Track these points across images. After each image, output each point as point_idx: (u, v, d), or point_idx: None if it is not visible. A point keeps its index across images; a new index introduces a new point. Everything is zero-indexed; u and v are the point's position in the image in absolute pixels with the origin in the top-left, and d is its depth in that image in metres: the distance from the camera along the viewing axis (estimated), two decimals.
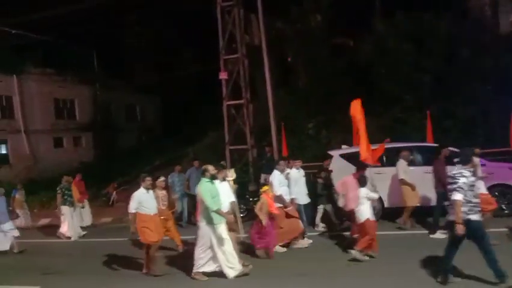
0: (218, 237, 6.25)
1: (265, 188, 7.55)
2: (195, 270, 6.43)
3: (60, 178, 11.67)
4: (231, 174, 8.04)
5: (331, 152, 10.03)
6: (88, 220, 12.69)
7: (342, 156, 9.57)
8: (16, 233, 9.99)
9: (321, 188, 9.03)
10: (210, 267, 6.40)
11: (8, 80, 21.42)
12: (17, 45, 20.82)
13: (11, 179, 19.67)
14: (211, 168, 6.55)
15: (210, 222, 6.28)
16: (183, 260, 7.34)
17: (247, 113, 13.99)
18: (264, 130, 13.89)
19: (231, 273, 6.24)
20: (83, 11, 18.55)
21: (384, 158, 9.19)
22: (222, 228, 6.30)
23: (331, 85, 15.83)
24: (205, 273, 6.42)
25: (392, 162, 8.85)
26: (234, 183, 8.10)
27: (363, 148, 8.18)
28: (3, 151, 21.81)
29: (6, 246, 9.78)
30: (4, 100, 21.65)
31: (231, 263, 6.27)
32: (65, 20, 19.25)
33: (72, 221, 11.16)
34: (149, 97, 28.93)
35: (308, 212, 8.70)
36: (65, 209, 11.01)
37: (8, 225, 9.86)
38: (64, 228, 11.15)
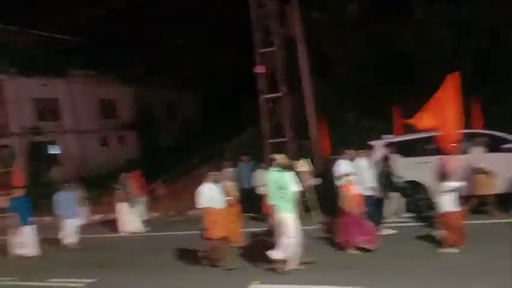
0: (286, 226, 6.17)
1: (347, 178, 7.10)
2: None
3: (108, 176, 12.16)
4: (303, 164, 7.81)
5: (372, 143, 9.86)
6: (143, 215, 12.99)
7: (385, 146, 9.39)
8: (77, 228, 10.49)
9: (385, 178, 8.45)
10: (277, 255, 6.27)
11: (55, 83, 22.54)
12: (61, 49, 21.74)
13: (62, 177, 20.73)
14: (279, 158, 6.43)
15: (280, 211, 6.21)
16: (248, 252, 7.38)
17: (285, 105, 13.98)
18: (303, 123, 13.82)
19: (288, 264, 6.14)
20: (122, 12, 19.11)
21: (430, 147, 8.93)
22: (290, 218, 6.21)
23: (369, 74, 15.52)
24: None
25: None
26: (311, 174, 7.83)
27: (450, 133, 7.14)
28: (54, 151, 22.99)
29: (74, 241, 10.31)
30: (53, 102, 22.80)
31: (291, 254, 6.18)
32: (105, 22, 19.92)
33: (131, 216, 11.47)
34: (188, 94, 29.47)
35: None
36: (123, 205, 11.39)
37: (76, 221, 10.41)
38: (124, 223, 11.49)
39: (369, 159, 8.28)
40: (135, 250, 9.85)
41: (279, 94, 14.01)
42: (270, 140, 14.05)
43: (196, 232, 9.91)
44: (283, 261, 6.23)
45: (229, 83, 25.24)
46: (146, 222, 12.16)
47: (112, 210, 13.15)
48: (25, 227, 9.76)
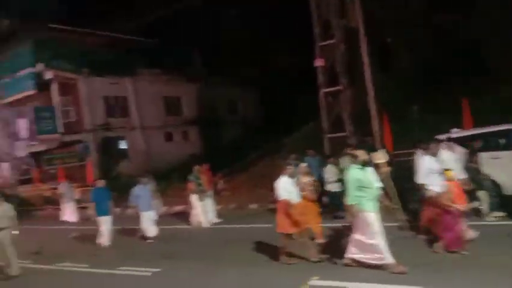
0: (370, 225, 5.95)
1: (448, 173, 6.58)
2: (349, 256, 6.22)
3: (173, 170, 12.60)
4: (381, 156, 7.61)
5: (439, 137, 9.37)
6: (213, 208, 13.13)
7: (452, 140, 8.89)
8: (155, 220, 10.77)
9: (475, 173, 7.90)
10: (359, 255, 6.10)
11: (123, 81, 23.83)
12: (129, 49, 22.90)
13: (130, 171, 21.94)
14: (361, 154, 6.20)
15: (362, 209, 5.98)
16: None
17: (345, 99, 13.70)
18: (363, 117, 13.46)
19: (387, 258, 5.85)
20: (186, 11, 19.73)
21: (503, 141, 8.34)
22: (374, 217, 5.98)
23: (435, 65, 14.74)
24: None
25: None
26: (388, 165, 7.55)
27: None
28: (123, 146, 24.36)
29: (154, 232, 10.49)
30: (121, 100, 24.15)
31: (379, 254, 5.90)
32: (170, 22, 20.70)
33: (203, 209, 11.67)
34: (249, 90, 29.80)
35: None
36: (196, 197, 11.62)
37: (152, 213, 10.69)
38: (196, 216, 11.72)
39: (453, 153, 7.72)
40: (203, 242, 10.12)
41: (338, 87, 13.77)
42: (330, 135, 13.87)
43: (262, 226, 10.14)
44: (366, 261, 6.02)
45: (288, 79, 25.17)
46: (216, 215, 12.28)
47: (179, 202, 13.67)
48: (104, 217, 10.19)
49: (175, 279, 7.24)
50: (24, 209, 19.35)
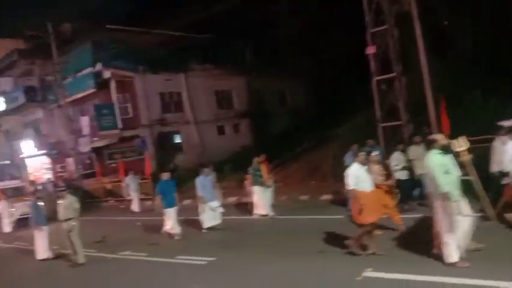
0: (454, 215, 5.59)
1: None
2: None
3: (225, 162, 12.77)
4: (462, 143, 7.12)
5: (503, 123, 8.77)
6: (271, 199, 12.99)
7: None
8: (221, 210, 10.92)
9: None
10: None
11: (177, 78, 24.55)
12: (181, 45, 23.49)
13: (185, 164, 22.64)
14: (440, 138, 5.92)
15: (445, 198, 5.60)
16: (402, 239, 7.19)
17: (399, 86, 13.21)
18: (418, 104, 12.92)
19: (452, 257, 5.57)
20: (234, 5, 19.90)
21: None
22: (460, 205, 5.62)
23: (495, 48, 13.77)
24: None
25: None
26: (469, 152, 7.16)
27: None
28: (178, 140, 25.17)
29: (215, 222, 10.67)
30: (175, 96, 24.91)
31: (457, 247, 5.58)
32: (219, 17, 20.99)
33: (262, 200, 11.57)
34: (299, 81, 29.59)
35: None
36: (256, 189, 11.59)
37: (216, 203, 10.84)
38: (256, 207, 11.67)
39: None
40: (260, 232, 10.23)
41: (392, 75, 13.31)
42: (384, 124, 13.47)
43: (316, 217, 10.05)
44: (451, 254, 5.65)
45: (339, 68, 24.68)
46: (273, 206, 12.13)
47: (232, 193, 13.87)
48: (171, 209, 10.30)
49: (229, 268, 7.42)
50: (89, 201, 20.65)
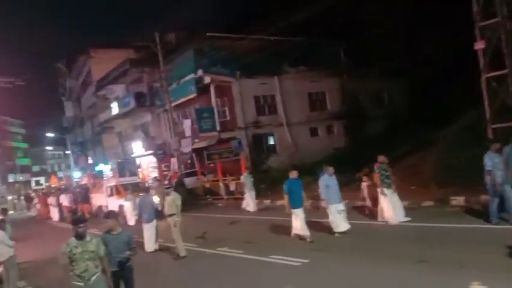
0: None
1: None
2: None
3: (318, 164, 12.37)
4: None
5: None
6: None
7: None
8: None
9: None
10: None
11: (270, 81, 25.07)
12: (276, 50, 23.90)
13: (278, 165, 22.99)
14: None
15: None
16: None
17: None
18: None
19: None
20: (328, 6, 19.70)
21: None
22: None
23: None
24: None
25: None
26: None
27: None
28: (271, 142, 25.67)
29: (345, 227, 9.79)
30: (269, 99, 25.46)
31: None
32: (312, 19, 20.93)
33: (390, 204, 10.31)
34: (396, 81, 28.31)
35: None
36: (383, 191, 10.36)
37: (342, 205, 9.98)
38: (383, 211, 10.50)
39: None
40: (370, 237, 9.60)
41: (504, 71, 12.13)
42: (494, 125, 12.32)
43: (458, 226, 9.31)
44: None
45: (441, 66, 23.09)
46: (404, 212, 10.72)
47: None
48: (298, 209, 9.72)
49: (322, 270, 7.41)
50: (199, 198, 21.91)
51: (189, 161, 26.03)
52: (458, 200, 11.45)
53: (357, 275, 6.93)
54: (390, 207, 10.29)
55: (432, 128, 17.87)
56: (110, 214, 6.46)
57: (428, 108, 22.45)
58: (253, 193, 16.85)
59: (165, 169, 26.60)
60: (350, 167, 17.75)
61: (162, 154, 25.18)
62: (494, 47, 12.20)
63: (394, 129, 25.52)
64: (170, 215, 10.02)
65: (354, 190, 16.27)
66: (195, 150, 25.64)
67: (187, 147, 25.85)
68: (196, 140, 25.55)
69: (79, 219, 5.39)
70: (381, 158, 10.71)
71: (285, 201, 9.89)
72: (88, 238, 5.20)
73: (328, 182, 9.88)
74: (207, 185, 23.31)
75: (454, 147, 14.01)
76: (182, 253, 9.81)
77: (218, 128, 24.07)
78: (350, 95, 27.25)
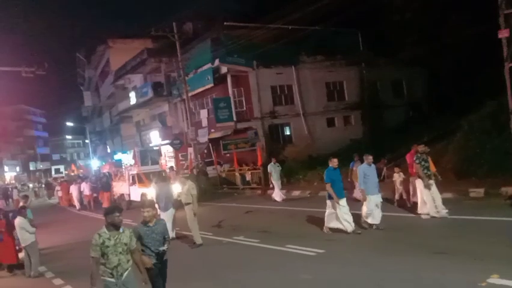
0: None
1: None
2: None
3: (334, 155, 11.96)
4: None
5: None
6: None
7: None
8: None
9: None
10: None
11: (287, 71, 24.89)
12: (293, 39, 23.67)
13: (295, 155, 22.93)
14: None
15: None
16: None
17: None
18: None
19: None
20: None
21: None
22: None
23: None
24: None
25: None
26: None
27: None
28: (287, 132, 25.58)
29: (378, 219, 9.29)
30: (286, 89, 25.30)
31: None
32: (331, 7, 20.61)
33: (430, 196, 9.62)
34: (416, 71, 27.80)
35: None
36: (421, 183, 9.69)
37: (380, 197, 9.43)
38: (425, 205, 9.84)
39: None
40: (401, 229, 9.19)
41: None
42: None
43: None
44: None
45: (462, 54, 22.52)
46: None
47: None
48: (342, 199, 9.17)
49: (337, 261, 7.39)
50: (215, 188, 22.05)
51: (205, 151, 26.15)
52: (478, 192, 11.26)
53: (371, 267, 6.88)
54: (431, 200, 9.60)
55: (453, 118, 17.52)
56: (150, 203, 6.05)
57: (448, 98, 22.01)
58: (279, 183, 16.34)
59: (182, 159, 26.80)
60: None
61: (179, 144, 25.33)
62: None
63: (413, 119, 25.13)
64: (187, 204, 10.10)
65: None
66: (211, 140, 25.74)
67: (203, 137, 25.96)
68: (213, 130, 25.63)
69: (114, 208, 4.98)
70: (422, 148, 9.92)
71: (329, 189, 9.16)
72: (121, 229, 4.80)
73: (367, 171, 9.33)
74: (223, 175, 23.43)
75: (474, 138, 13.73)
76: (199, 241, 9.89)
77: (234, 118, 24.07)
78: (369, 85, 26.87)
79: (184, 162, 26.07)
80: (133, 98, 34.22)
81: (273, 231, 10.64)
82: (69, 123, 63.24)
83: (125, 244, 4.77)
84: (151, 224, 5.47)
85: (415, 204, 10.51)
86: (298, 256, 7.98)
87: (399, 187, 11.71)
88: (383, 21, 25.33)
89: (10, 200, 26.02)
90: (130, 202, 19.07)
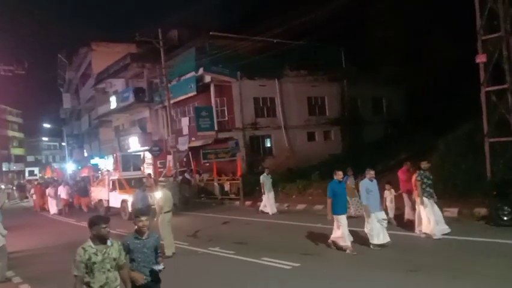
0: None
1: None
2: None
3: (313, 168, 12.03)
4: None
5: None
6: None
7: None
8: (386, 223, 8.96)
9: None
10: None
11: (271, 83, 25.05)
12: (277, 52, 23.91)
13: (274, 168, 22.95)
14: None
15: None
16: None
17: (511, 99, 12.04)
18: None
19: None
20: (331, 10, 19.73)
21: None
22: None
23: None
24: None
25: None
26: None
27: None
28: (268, 144, 25.65)
29: (386, 238, 8.75)
30: (268, 101, 25.44)
31: None
32: (315, 22, 20.95)
33: (432, 216, 9.21)
34: (395, 88, 28.42)
35: None
36: (425, 201, 9.22)
37: (383, 214, 9.06)
38: (424, 224, 9.37)
39: None
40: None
41: (504, 86, 12.18)
42: (492, 139, 12.36)
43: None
44: None
45: (441, 76, 23.18)
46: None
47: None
48: (343, 215, 8.70)
49: (312, 275, 7.39)
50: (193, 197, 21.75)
51: (185, 159, 25.94)
52: (452, 212, 11.49)
53: (345, 282, 6.90)
54: (432, 220, 9.17)
55: (430, 136, 17.91)
56: (145, 210, 5.36)
57: (427, 117, 22.53)
58: (272, 194, 15.72)
59: (160, 166, 26.50)
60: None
61: (158, 151, 25.06)
62: (495, 61, 12.24)
63: (392, 137, 25.58)
64: (165, 212, 9.95)
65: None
66: (191, 148, 25.57)
67: (183, 145, 25.77)
68: (193, 139, 25.48)
69: (100, 218, 4.32)
70: (424, 164, 9.56)
71: (328, 205, 8.69)
72: (108, 242, 4.18)
73: (370, 186, 8.84)
74: (202, 184, 23.24)
75: (450, 158, 14.05)
76: (169, 252, 9.62)
77: (216, 128, 24.02)
78: (350, 101, 27.29)
79: (162, 169, 25.77)
80: (113, 103, 33.77)
81: (249, 242, 10.59)
82: (46, 125, 61.87)
83: (114, 259, 4.16)
84: (144, 236, 4.75)
85: (410, 221, 10.50)
86: (272, 269, 7.95)
87: (389, 204, 11.33)
88: (366, 38, 25.88)
89: None
90: (109, 208, 18.66)
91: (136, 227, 4.75)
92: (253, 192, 19.14)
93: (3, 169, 66.84)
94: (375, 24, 27.60)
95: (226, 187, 21.37)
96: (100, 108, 37.15)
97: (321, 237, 9.94)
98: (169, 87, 24.83)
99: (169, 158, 24.51)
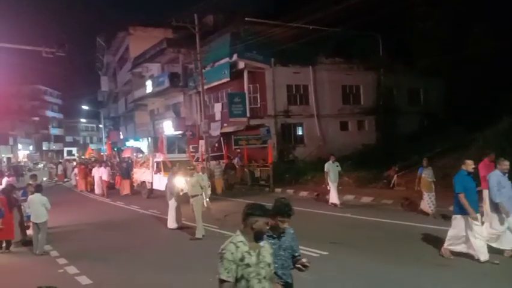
0: None
1: None
2: None
3: (345, 158, 11.65)
4: None
5: None
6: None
7: None
8: None
9: None
10: None
11: (304, 71, 24.79)
12: (312, 39, 23.56)
13: (305, 156, 22.88)
14: None
15: None
16: None
17: None
18: None
19: None
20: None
21: None
22: None
23: None
24: None
25: None
26: None
27: None
28: (300, 132, 25.50)
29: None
30: (302, 89, 25.22)
31: None
32: (353, 10, 20.44)
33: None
34: (433, 80, 27.46)
35: None
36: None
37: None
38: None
39: None
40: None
41: None
42: None
43: None
44: None
45: (483, 67, 22.17)
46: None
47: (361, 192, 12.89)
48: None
49: (339, 263, 7.37)
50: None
51: (216, 145, 26.20)
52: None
53: (371, 272, 6.85)
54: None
55: (468, 130, 17.29)
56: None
57: (465, 110, 21.71)
58: (336, 185, 13.83)
59: (193, 150, 26.90)
60: (378, 164, 17.47)
61: (191, 135, 25.42)
62: None
63: (429, 129, 24.85)
64: (193, 196, 10.15)
65: (382, 188, 16.01)
66: (223, 134, 25.79)
67: (216, 130, 26.02)
68: (225, 125, 25.67)
69: (264, 208, 3.28)
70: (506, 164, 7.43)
71: (463, 201, 6.89)
72: (261, 242, 3.10)
73: (502, 180, 7.10)
74: (246, 170, 23.34)
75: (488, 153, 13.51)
76: (199, 235, 9.87)
77: (248, 114, 24.09)
78: (386, 91, 26.64)
79: (194, 154, 26.16)
80: (149, 87, 34.44)
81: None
82: (84, 107, 63.96)
83: (269, 265, 3.08)
84: (280, 234, 3.61)
85: None
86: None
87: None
88: (405, 28, 25.05)
89: (21, 177, 26.13)
90: (152, 191, 18.53)
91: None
92: (283, 180, 19.16)
93: (44, 148, 69.88)
94: (415, 13, 26.63)
95: (257, 173, 21.46)
96: (136, 92, 37.98)
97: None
98: (203, 72, 25.03)
99: (201, 143, 24.82)
